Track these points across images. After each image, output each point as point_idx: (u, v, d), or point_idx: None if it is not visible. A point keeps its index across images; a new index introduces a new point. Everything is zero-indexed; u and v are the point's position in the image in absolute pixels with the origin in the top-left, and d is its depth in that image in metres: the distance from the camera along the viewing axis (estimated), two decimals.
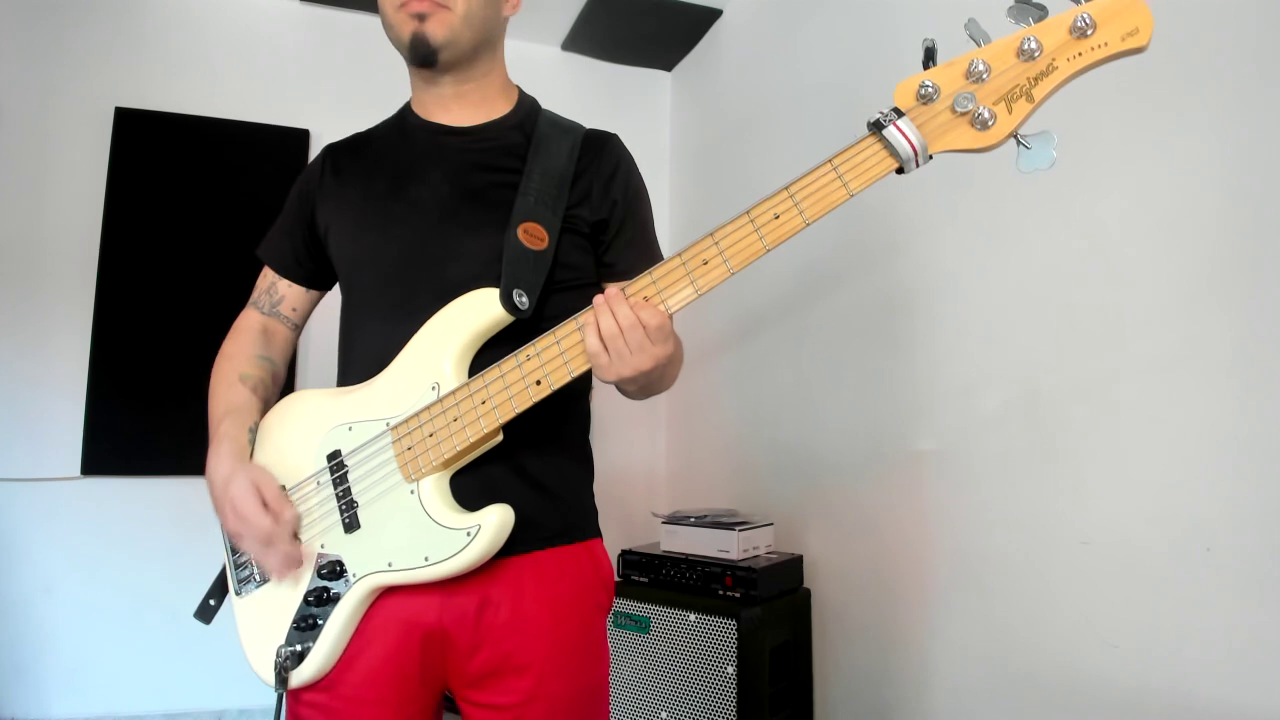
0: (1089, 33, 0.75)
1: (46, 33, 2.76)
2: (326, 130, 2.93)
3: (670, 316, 0.87)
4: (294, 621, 0.96)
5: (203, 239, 2.79)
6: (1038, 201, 1.64)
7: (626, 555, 2.29)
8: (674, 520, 2.30)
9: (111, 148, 2.76)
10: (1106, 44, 0.75)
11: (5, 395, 2.62)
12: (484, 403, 0.90)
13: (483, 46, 1.08)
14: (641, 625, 2.13)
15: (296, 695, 0.98)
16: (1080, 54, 0.76)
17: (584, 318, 0.88)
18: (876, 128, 0.81)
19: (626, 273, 1.05)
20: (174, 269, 2.76)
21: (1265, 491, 1.23)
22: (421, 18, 1.01)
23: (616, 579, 2.28)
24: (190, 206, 2.81)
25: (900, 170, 0.81)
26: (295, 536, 0.98)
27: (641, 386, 0.99)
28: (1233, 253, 1.30)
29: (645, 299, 0.86)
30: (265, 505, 0.95)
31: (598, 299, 0.86)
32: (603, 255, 1.09)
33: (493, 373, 0.91)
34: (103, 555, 2.64)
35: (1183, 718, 1.32)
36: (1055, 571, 1.57)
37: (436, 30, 1.01)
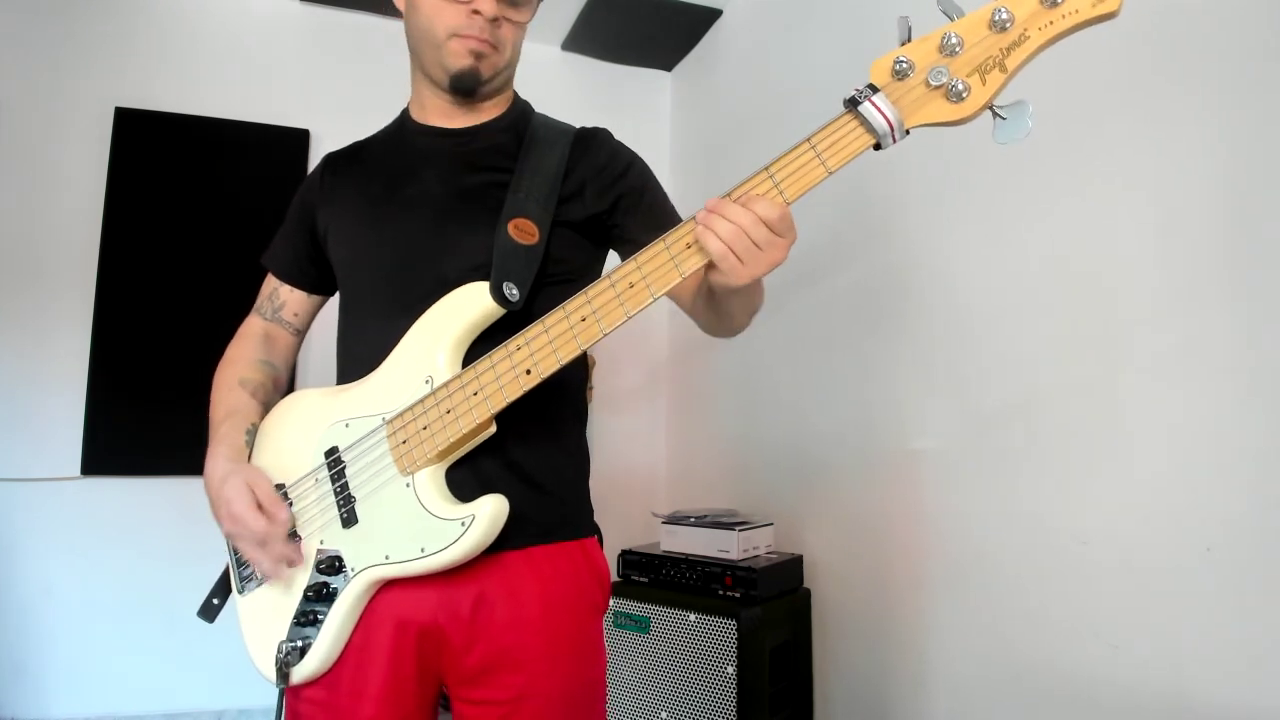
0: (1059, 1, 0.76)
1: (46, 33, 2.77)
2: (326, 130, 2.94)
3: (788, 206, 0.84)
4: (295, 617, 0.97)
5: (202, 239, 2.79)
6: (1037, 200, 1.64)
7: (626, 555, 2.29)
8: (674, 520, 2.30)
9: (111, 148, 2.76)
10: (1077, 11, 0.76)
11: (5, 395, 2.63)
12: (475, 394, 0.91)
13: (511, 78, 1.15)
14: (641, 625, 2.13)
15: (297, 692, 0.99)
16: (1051, 22, 0.77)
17: (682, 233, 0.85)
18: (852, 104, 0.81)
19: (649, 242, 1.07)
20: (174, 269, 2.76)
21: (1265, 491, 1.23)
22: (479, 56, 1.05)
23: (616, 579, 2.28)
24: (190, 206, 2.81)
25: (878, 146, 0.82)
26: (292, 536, 0.99)
27: (745, 303, 0.99)
28: (1233, 251, 1.30)
29: (755, 195, 0.82)
30: (259, 506, 0.96)
31: (701, 213, 0.83)
32: (623, 234, 1.09)
33: (483, 364, 0.92)
34: (103, 555, 2.64)
35: (1182, 718, 1.32)
36: (1054, 571, 1.56)
37: (487, 70, 1.07)
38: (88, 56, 2.79)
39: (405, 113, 1.17)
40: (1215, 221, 1.33)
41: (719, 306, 0.99)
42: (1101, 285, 1.51)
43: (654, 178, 1.14)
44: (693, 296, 1.04)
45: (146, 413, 2.68)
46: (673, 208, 1.13)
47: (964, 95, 0.79)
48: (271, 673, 0.97)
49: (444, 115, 1.13)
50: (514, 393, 0.90)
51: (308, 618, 0.96)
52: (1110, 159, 1.50)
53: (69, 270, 2.70)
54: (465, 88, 1.08)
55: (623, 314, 0.86)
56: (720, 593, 2.06)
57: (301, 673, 0.96)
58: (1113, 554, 1.46)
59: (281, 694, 0.97)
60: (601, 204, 1.08)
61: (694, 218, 0.85)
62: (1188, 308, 1.36)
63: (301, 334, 1.24)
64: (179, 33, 2.91)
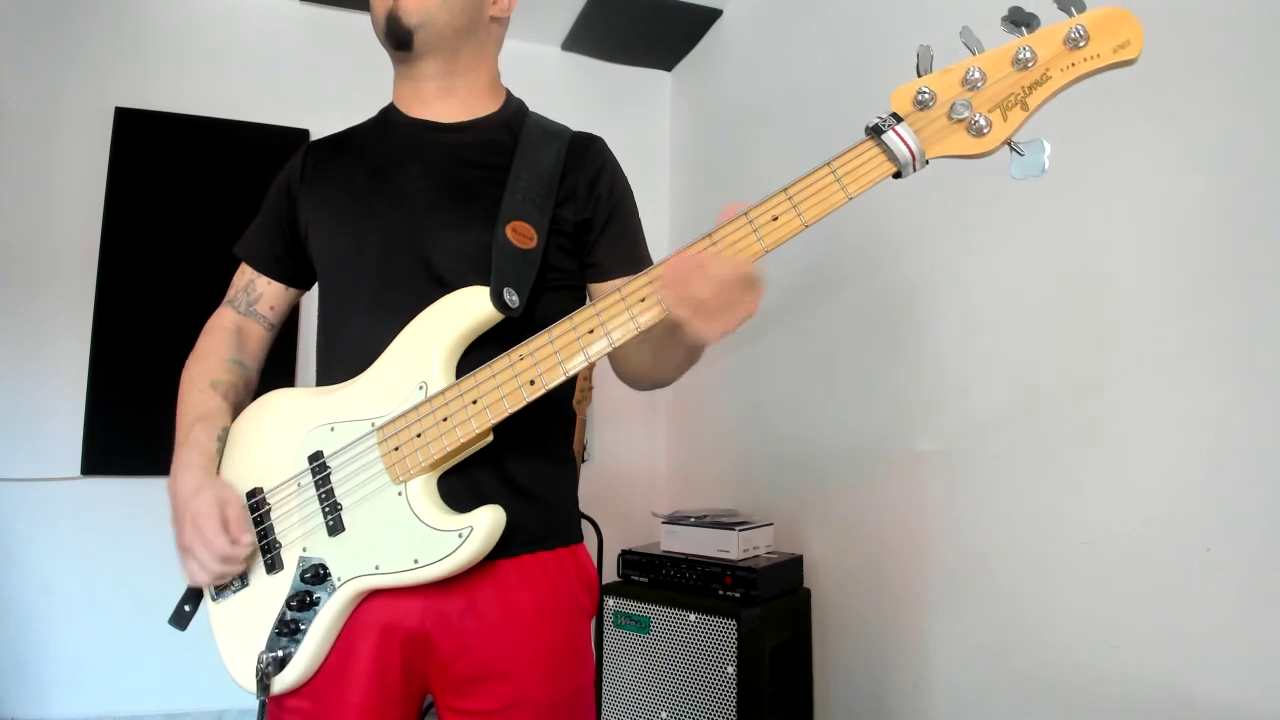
0: (1081, 44, 0.77)
1: (47, 33, 2.77)
2: (326, 130, 2.92)
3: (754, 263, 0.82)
4: (275, 627, 0.94)
5: (202, 239, 2.79)
6: (1038, 202, 1.63)
7: (626, 555, 2.29)
8: (674, 520, 2.30)
9: (111, 148, 2.76)
10: (1099, 55, 0.77)
11: (5, 395, 2.63)
12: (475, 402, 0.88)
13: (464, 35, 1.06)
14: (641, 625, 2.13)
15: (279, 701, 0.96)
16: (1073, 64, 0.78)
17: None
18: (875, 132, 0.81)
19: (610, 272, 1.05)
20: (174, 269, 2.77)
21: (1265, 492, 1.23)
22: None
23: (616, 579, 2.28)
24: (190, 206, 2.81)
25: (898, 174, 0.82)
26: (270, 544, 0.97)
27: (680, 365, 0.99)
28: (1232, 253, 1.30)
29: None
30: (225, 526, 0.94)
31: (663, 267, 0.82)
32: (587, 255, 1.07)
33: (483, 372, 0.89)
34: (103, 555, 2.64)
35: (1182, 717, 1.32)
36: (1055, 571, 1.56)
37: (411, 12, 1.01)
38: (88, 57, 2.80)
39: (390, 105, 1.14)
40: (1215, 223, 1.33)
41: (663, 352, 0.95)
42: (1102, 288, 1.51)
43: (634, 205, 1.12)
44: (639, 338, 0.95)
45: (146, 413, 2.68)
46: (644, 239, 1.12)
47: (985, 130, 0.80)
48: (249, 682, 0.94)
49: (425, 104, 1.08)
50: (516, 403, 0.87)
51: (289, 627, 0.93)
52: (1109, 162, 1.49)
53: (69, 270, 2.70)
54: (397, 38, 1.02)
55: (633, 327, 0.85)
56: (720, 593, 2.06)
57: (282, 683, 0.93)
58: (1113, 554, 1.46)
59: (263, 704, 0.95)
60: (585, 212, 1.05)
61: (704, 238, 0.83)
62: (1187, 309, 1.36)
63: (275, 329, 1.18)
64: (179, 33, 2.91)
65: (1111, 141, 1.49)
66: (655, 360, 0.99)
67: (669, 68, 3.55)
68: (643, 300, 0.85)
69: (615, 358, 1.05)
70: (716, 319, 0.80)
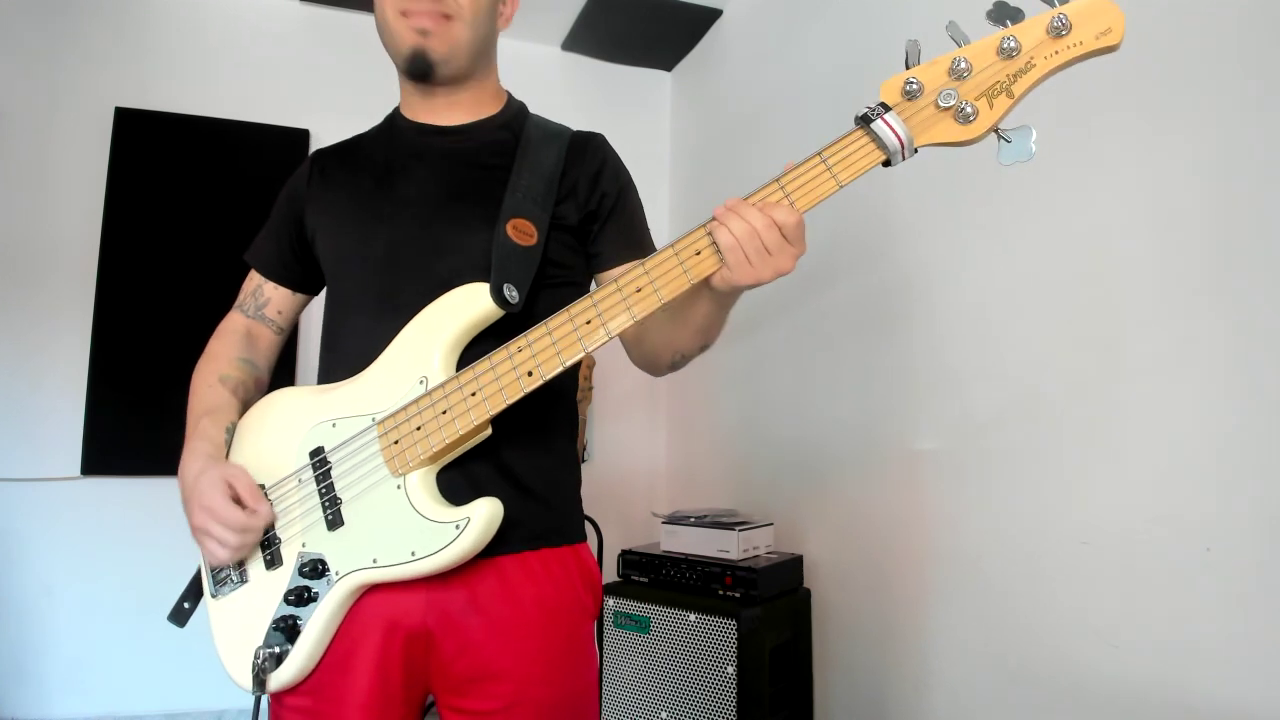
0: (1064, 32, 0.79)
1: (47, 33, 2.77)
2: (326, 130, 2.94)
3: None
4: (273, 622, 0.94)
5: (202, 239, 2.80)
6: (1038, 201, 1.64)
7: (626, 555, 2.29)
8: (674, 520, 2.30)
9: (111, 148, 2.77)
10: (1082, 43, 0.79)
11: (5, 395, 2.63)
12: (473, 395, 0.89)
13: (479, 58, 1.09)
14: (641, 625, 2.13)
15: (279, 699, 0.96)
16: (1057, 52, 0.80)
17: (703, 231, 0.85)
18: (864, 121, 0.83)
19: (614, 261, 1.07)
20: (174, 269, 2.77)
21: (1265, 491, 1.23)
22: (424, 33, 1.02)
23: (616, 579, 2.28)
24: (190, 206, 2.82)
25: (887, 163, 0.84)
26: (271, 538, 0.97)
27: (703, 331, 0.99)
28: (1231, 252, 1.30)
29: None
30: (239, 501, 0.94)
31: (718, 208, 0.84)
32: (591, 245, 1.09)
33: (482, 364, 0.90)
34: (103, 555, 2.64)
35: (1181, 717, 1.32)
36: (1055, 571, 1.56)
37: (438, 47, 1.03)
38: (88, 57, 2.80)
39: (396, 111, 1.16)
40: (1213, 222, 1.33)
41: (686, 315, 0.96)
42: (1101, 286, 1.51)
43: (638, 197, 1.13)
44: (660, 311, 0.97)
45: (146, 413, 2.69)
46: (648, 230, 1.13)
47: (972, 118, 0.81)
48: (246, 679, 0.93)
49: (433, 111, 1.10)
50: (514, 394, 0.88)
51: (287, 623, 0.93)
52: (1107, 161, 1.50)
53: (69, 270, 2.71)
54: (418, 71, 1.04)
55: (629, 318, 0.86)
56: (720, 593, 2.06)
57: (279, 680, 0.93)
58: (1113, 554, 1.46)
59: (258, 700, 0.94)
60: (589, 206, 1.07)
61: (704, 224, 0.85)
62: (1186, 308, 1.36)
63: (284, 333, 1.20)
64: (179, 33, 2.92)
65: (1111, 141, 1.49)
66: (675, 327, 0.99)
67: (669, 68, 3.55)
68: (638, 290, 0.86)
69: (632, 342, 1.07)
70: (754, 265, 0.83)
